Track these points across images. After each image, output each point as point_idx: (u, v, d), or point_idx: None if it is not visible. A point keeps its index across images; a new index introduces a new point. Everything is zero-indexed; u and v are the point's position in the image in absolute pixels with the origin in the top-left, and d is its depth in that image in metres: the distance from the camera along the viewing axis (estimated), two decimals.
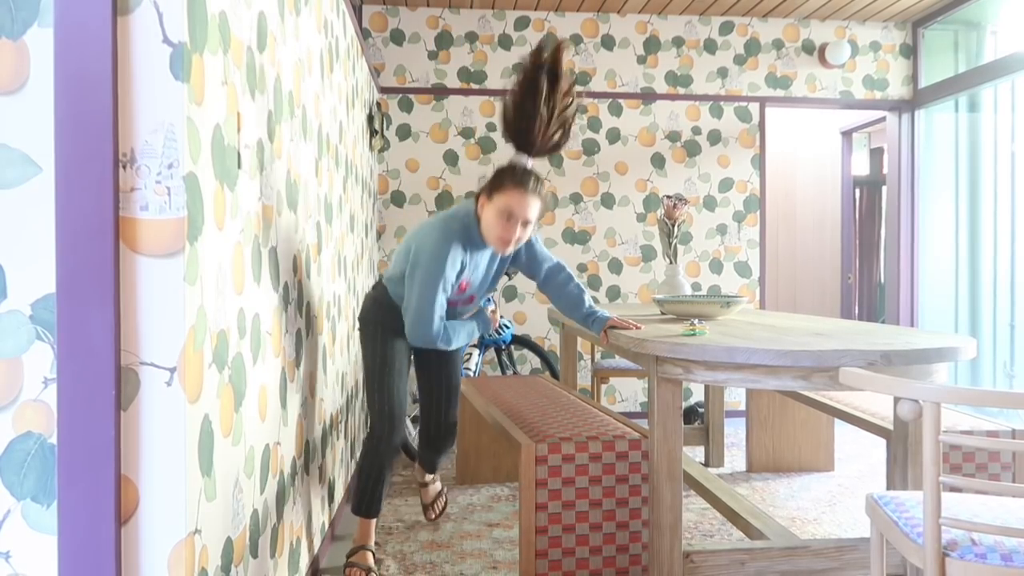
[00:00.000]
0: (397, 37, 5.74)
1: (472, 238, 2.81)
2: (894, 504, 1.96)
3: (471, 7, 5.75)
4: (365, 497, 2.98)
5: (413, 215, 5.73)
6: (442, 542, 3.37)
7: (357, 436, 4.37)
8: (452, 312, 2.94)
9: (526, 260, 3.04)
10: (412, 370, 3.19)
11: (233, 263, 1.84)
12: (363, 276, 4.71)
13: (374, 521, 3.06)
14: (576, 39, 5.88)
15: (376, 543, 3.28)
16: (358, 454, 4.38)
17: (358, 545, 3.02)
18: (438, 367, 3.17)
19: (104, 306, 1.43)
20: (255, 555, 2.08)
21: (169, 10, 1.46)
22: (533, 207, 2.75)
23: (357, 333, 3.09)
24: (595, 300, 5.86)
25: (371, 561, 2.99)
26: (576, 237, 5.88)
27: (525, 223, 2.75)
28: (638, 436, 2.88)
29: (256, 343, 2.08)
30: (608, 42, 5.91)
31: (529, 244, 3.01)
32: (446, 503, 3.53)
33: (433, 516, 3.47)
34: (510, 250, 2.79)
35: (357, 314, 3.16)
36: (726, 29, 6.01)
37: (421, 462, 3.38)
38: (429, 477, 3.43)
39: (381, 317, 2.96)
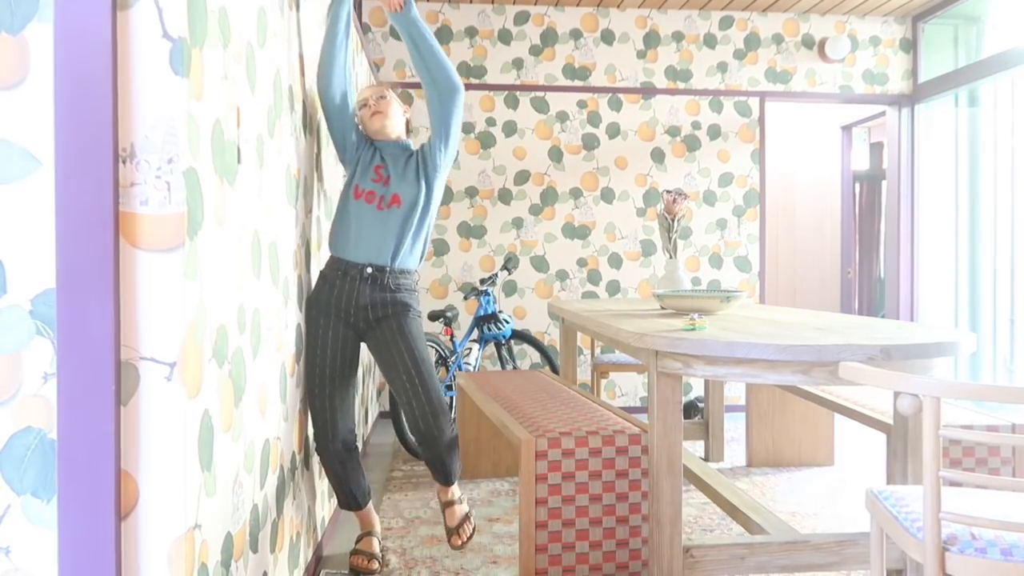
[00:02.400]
0: (396, 32, 5.73)
1: (377, 145, 3.00)
2: (894, 499, 1.97)
3: (471, 2, 5.74)
4: (337, 493, 3.04)
5: None
6: (442, 537, 3.38)
7: (357, 431, 4.37)
8: (373, 215, 2.85)
9: (431, 143, 2.99)
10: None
11: (233, 258, 1.84)
12: None
13: (369, 508, 3.12)
14: (576, 34, 5.87)
15: (383, 533, 3.28)
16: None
17: (364, 532, 3.12)
18: (391, 347, 2.85)
19: (104, 301, 1.42)
20: (255, 550, 2.08)
21: (169, 5, 1.46)
22: (374, 90, 3.05)
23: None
24: (595, 295, 5.86)
25: (376, 547, 3.07)
26: (576, 232, 5.88)
27: (379, 98, 3.01)
28: (638, 431, 2.89)
29: (256, 338, 2.08)
30: (608, 37, 5.90)
31: (427, 142, 3.02)
32: (474, 529, 3.05)
33: (459, 543, 2.98)
34: (388, 122, 2.98)
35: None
36: (726, 24, 6.00)
37: (430, 470, 3.00)
38: (451, 494, 3.03)
39: (317, 295, 2.87)
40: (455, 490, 3.04)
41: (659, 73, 5.95)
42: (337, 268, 2.85)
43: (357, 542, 3.09)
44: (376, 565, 3.01)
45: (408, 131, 3.14)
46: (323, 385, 2.85)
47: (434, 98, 2.95)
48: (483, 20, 5.81)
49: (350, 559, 3.02)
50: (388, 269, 2.85)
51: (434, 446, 2.86)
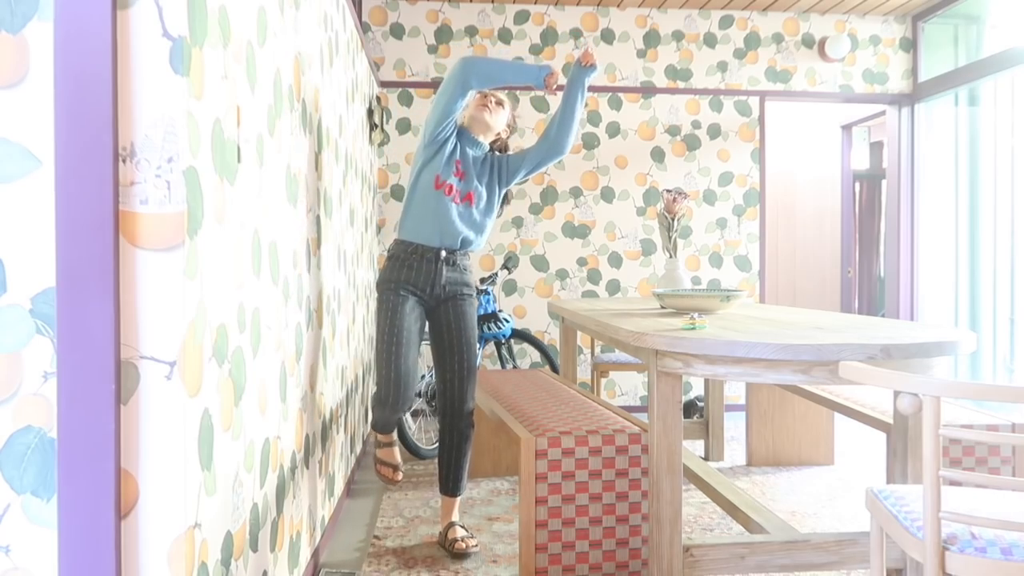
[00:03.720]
0: (397, 31, 5.73)
1: (464, 135, 3.23)
2: (894, 498, 1.97)
3: (471, 1, 5.74)
4: (379, 422, 3.28)
5: None
6: None
7: (357, 430, 4.37)
8: (451, 207, 3.11)
9: (510, 162, 3.28)
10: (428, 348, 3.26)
11: (233, 257, 1.84)
12: (363, 270, 4.71)
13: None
14: (576, 33, 5.87)
15: (383, 533, 3.28)
16: (359, 446, 4.39)
17: (384, 442, 3.33)
18: (452, 344, 3.20)
19: (104, 300, 1.42)
20: (255, 549, 2.08)
21: (169, 4, 1.46)
22: (500, 94, 3.29)
23: (375, 298, 3.26)
24: (595, 295, 5.87)
25: (398, 457, 3.34)
26: (576, 231, 5.88)
27: (498, 102, 3.25)
28: (638, 430, 2.89)
29: (256, 337, 2.08)
30: (608, 36, 5.90)
31: (505, 156, 3.31)
32: (476, 546, 3.18)
33: (463, 547, 3.13)
34: (491, 119, 3.22)
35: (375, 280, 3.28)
36: (726, 23, 6.00)
37: (441, 473, 3.28)
38: (454, 515, 3.27)
39: (396, 275, 3.13)
40: (457, 512, 3.29)
41: (659, 72, 5.95)
42: (413, 252, 3.13)
43: (378, 448, 3.33)
44: (400, 476, 3.32)
45: (493, 144, 3.32)
46: (406, 345, 3.10)
47: (546, 148, 3.22)
48: (483, 19, 5.80)
49: (377, 468, 3.31)
50: (458, 252, 3.19)
51: (454, 428, 3.21)
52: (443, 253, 3.14)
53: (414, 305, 3.14)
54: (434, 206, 3.10)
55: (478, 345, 5.02)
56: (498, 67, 3.07)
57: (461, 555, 3.11)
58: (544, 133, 3.24)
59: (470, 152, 3.21)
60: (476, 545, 3.17)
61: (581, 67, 3.13)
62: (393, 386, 3.09)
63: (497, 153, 3.33)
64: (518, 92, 5.81)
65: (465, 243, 3.18)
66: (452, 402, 3.21)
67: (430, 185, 3.11)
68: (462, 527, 3.24)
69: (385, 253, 5.72)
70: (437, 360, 3.24)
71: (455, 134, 3.18)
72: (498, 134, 3.31)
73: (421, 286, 3.14)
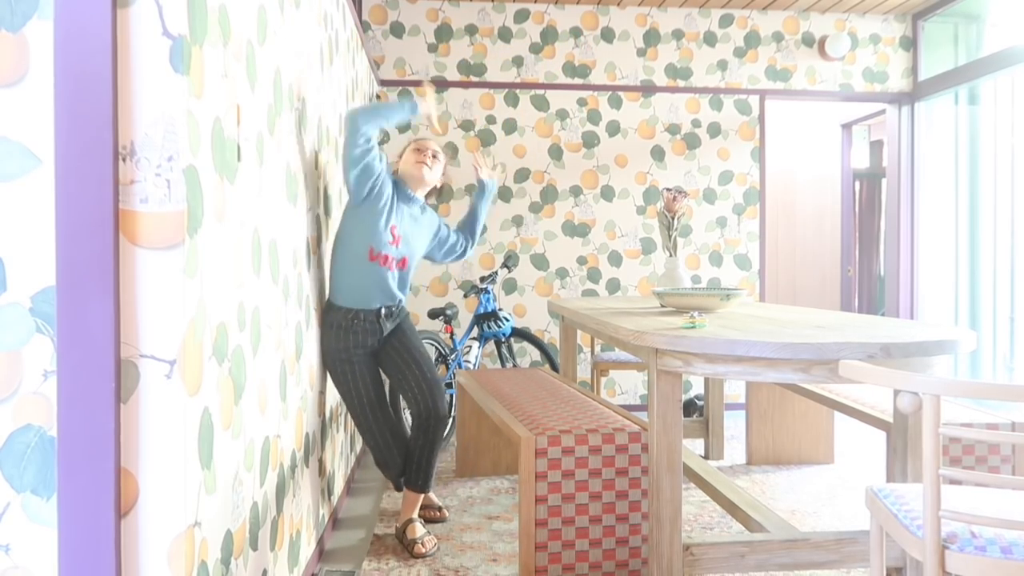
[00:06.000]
0: (397, 30, 5.73)
1: (399, 188, 3.27)
2: (894, 497, 1.97)
3: (471, 0, 5.74)
4: (395, 481, 3.37)
5: None
6: (442, 535, 3.38)
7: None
8: (387, 275, 3.15)
9: (446, 234, 3.52)
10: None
11: (233, 256, 1.84)
12: None
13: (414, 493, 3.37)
14: (576, 31, 5.87)
15: (381, 530, 3.29)
16: (358, 445, 4.39)
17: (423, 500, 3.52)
18: (408, 362, 3.23)
19: (104, 299, 1.42)
20: (255, 548, 2.08)
21: (169, 3, 1.46)
22: (435, 144, 3.36)
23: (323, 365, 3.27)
24: (595, 293, 5.87)
25: (437, 501, 3.60)
26: (576, 230, 5.88)
27: (434, 154, 3.32)
28: (638, 429, 2.89)
29: (256, 336, 2.08)
30: (608, 35, 5.90)
31: (444, 226, 3.55)
32: (436, 546, 3.19)
33: (422, 551, 3.12)
34: (429, 175, 3.28)
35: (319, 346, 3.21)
36: (726, 22, 5.99)
37: (408, 472, 3.26)
38: (415, 511, 3.27)
39: (342, 343, 3.14)
40: (417, 508, 3.31)
41: (659, 71, 5.95)
42: (354, 318, 3.14)
43: (420, 509, 3.49)
44: (446, 513, 3.55)
45: (431, 194, 3.44)
46: (372, 410, 3.23)
47: (455, 248, 3.56)
48: (483, 18, 5.80)
49: (421, 513, 3.45)
50: (395, 305, 3.26)
51: (429, 426, 3.19)
52: (383, 311, 3.19)
53: (365, 361, 3.20)
54: (372, 277, 3.12)
55: (471, 359, 5.05)
56: (378, 105, 3.09)
57: (420, 556, 3.11)
58: (459, 233, 3.56)
59: (406, 209, 3.25)
60: (436, 546, 3.19)
61: (490, 178, 3.49)
62: (386, 449, 3.27)
63: (430, 202, 3.47)
64: (518, 91, 5.81)
65: (402, 295, 3.29)
66: (426, 411, 3.19)
67: (363, 256, 3.09)
68: (422, 524, 3.26)
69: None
70: (398, 381, 3.24)
71: (393, 189, 3.20)
72: (435, 189, 3.42)
73: (369, 344, 3.18)
